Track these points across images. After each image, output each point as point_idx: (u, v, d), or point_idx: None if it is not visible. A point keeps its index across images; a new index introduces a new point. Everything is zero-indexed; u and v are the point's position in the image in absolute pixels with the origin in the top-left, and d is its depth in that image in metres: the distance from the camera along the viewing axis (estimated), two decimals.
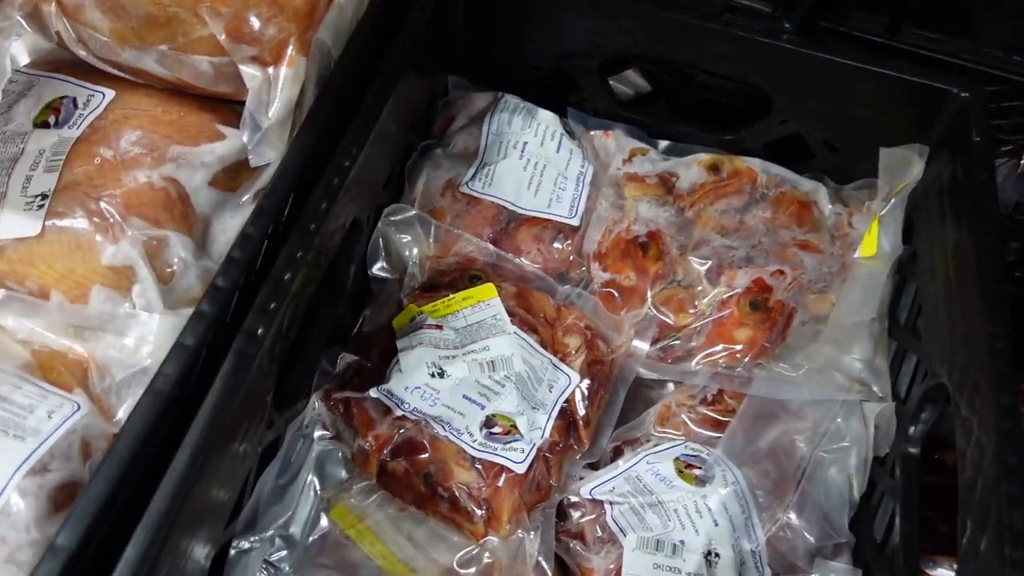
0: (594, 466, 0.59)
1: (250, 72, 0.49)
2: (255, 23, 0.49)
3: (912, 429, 0.55)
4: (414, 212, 0.61)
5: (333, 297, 0.57)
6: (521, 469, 0.53)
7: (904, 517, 0.54)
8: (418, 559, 0.53)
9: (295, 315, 0.48)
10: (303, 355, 0.55)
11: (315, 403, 0.54)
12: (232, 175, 0.52)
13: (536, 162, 0.65)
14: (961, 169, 0.59)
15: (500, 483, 0.53)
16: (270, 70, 0.50)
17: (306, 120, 0.51)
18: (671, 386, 0.63)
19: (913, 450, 0.55)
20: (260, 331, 0.44)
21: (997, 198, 0.56)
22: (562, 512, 0.58)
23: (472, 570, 0.52)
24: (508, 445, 0.54)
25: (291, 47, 0.50)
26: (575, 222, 0.64)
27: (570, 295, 0.62)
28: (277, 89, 0.49)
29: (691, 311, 0.62)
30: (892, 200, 0.64)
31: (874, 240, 0.64)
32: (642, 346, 0.61)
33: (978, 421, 0.48)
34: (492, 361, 0.55)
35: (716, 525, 0.54)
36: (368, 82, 0.55)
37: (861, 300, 0.62)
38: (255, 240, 0.46)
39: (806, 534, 0.56)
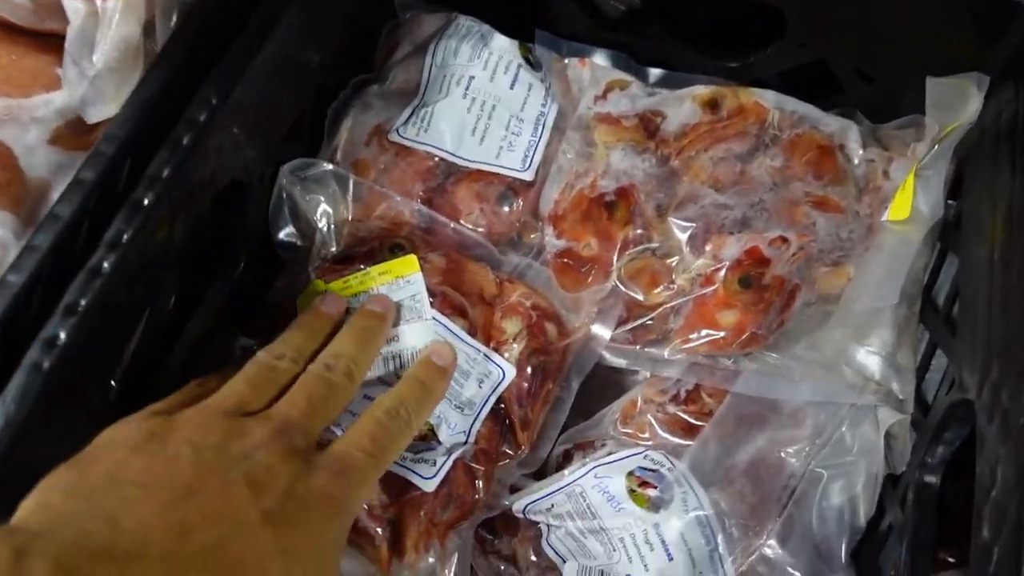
0: (538, 473, 0.49)
1: (72, 5, 0.39)
2: None
3: (931, 452, 0.43)
4: (328, 167, 0.50)
5: (223, 272, 0.48)
6: (430, 487, 0.44)
7: (912, 565, 0.42)
8: None
9: (135, 305, 0.39)
10: (183, 343, 0.47)
11: None
12: (81, 129, 0.44)
13: (483, 101, 0.53)
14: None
15: (404, 502, 0.44)
16: (98, 1, 0.40)
17: (153, 64, 0.41)
18: (647, 372, 0.52)
19: (931, 478, 0.43)
20: (62, 336, 0.35)
21: None
22: (493, 528, 0.49)
23: None
24: (419, 455, 0.45)
25: None
26: (528, 176, 0.52)
27: (519, 267, 0.51)
28: (105, 25, 0.39)
29: (667, 287, 0.50)
30: (936, 147, 0.50)
31: (908, 199, 0.50)
32: (603, 331, 0.50)
33: (1003, 464, 0.35)
34: (398, 355, 0.46)
35: (671, 560, 0.44)
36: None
37: (885, 276, 0.49)
38: (66, 222, 0.37)
39: (790, 568, 0.46)
